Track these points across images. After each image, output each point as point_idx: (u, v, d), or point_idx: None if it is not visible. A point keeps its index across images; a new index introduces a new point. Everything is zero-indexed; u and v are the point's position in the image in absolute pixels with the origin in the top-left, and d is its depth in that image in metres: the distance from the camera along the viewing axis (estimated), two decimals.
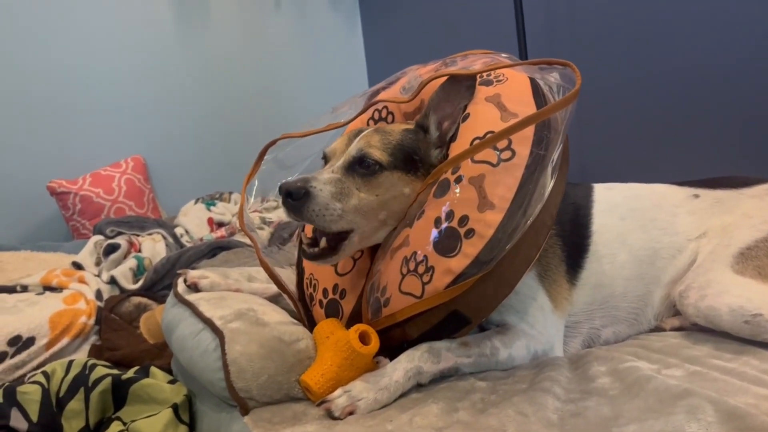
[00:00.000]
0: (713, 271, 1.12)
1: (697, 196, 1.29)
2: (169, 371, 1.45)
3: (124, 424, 1.21)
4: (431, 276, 0.98)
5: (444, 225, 0.99)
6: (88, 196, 2.99)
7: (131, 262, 2.25)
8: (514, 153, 0.99)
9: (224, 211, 2.92)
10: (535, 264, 1.16)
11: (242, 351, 1.04)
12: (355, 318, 1.13)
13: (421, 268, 0.99)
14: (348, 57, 4.12)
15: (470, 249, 0.96)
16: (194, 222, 2.75)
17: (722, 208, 1.25)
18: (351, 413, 0.96)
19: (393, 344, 1.06)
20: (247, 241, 2.55)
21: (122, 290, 2.15)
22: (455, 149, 1.08)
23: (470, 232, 0.97)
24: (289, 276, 1.49)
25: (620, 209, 1.28)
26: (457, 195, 1.00)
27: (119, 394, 1.26)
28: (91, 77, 3.23)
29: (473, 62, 1.18)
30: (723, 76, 2.10)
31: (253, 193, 1.31)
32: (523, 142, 1.00)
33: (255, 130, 3.68)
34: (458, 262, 0.97)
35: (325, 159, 1.20)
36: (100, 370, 1.28)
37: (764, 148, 2.02)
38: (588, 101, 2.58)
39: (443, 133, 1.14)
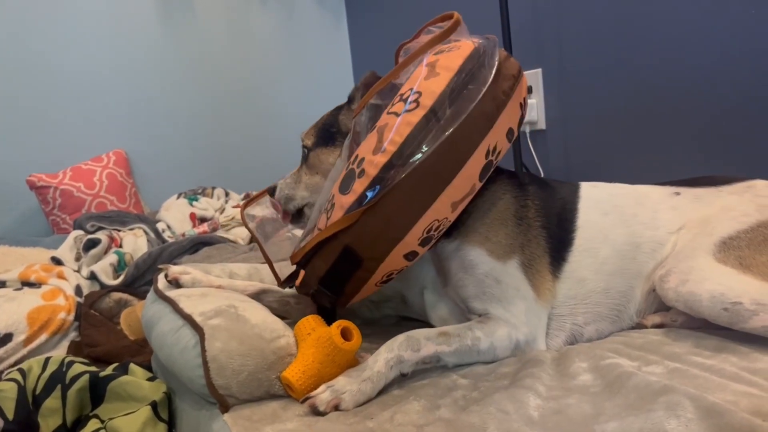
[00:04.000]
0: (695, 258, 1.13)
1: (678, 193, 1.31)
2: (150, 368, 1.44)
3: (102, 422, 1.19)
4: (331, 212, 1.07)
5: (349, 167, 1.08)
6: (69, 191, 2.95)
7: (112, 258, 2.22)
8: (417, 105, 1.06)
9: (207, 206, 2.88)
10: (519, 253, 1.18)
11: (222, 348, 1.03)
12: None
13: (328, 206, 1.10)
14: (333, 53, 4.10)
15: (358, 186, 1.04)
16: (176, 217, 2.72)
17: (702, 204, 1.26)
18: (336, 407, 0.96)
19: (310, 284, 1.13)
20: (230, 236, 2.53)
21: (102, 286, 2.12)
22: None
23: (362, 173, 1.05)
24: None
25: (604, 205, 1.29)
26: (365, 141, 1.09)
27: (97, 391, 1.25)
28: (72, 69, 3.18)
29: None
30: (712, 76, 2.12)
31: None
32: (430, 96, 1.06)
33: (239, 125, 3.66)
34: (347, 199, 1.05)
35: None
36: (78, 368, 1.26)
37: (747, 149, 2.04)
38: (574, 101, 2.59)
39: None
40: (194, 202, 2.89)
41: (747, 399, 0.83)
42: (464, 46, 1.13)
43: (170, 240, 2.51)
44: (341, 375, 1.02)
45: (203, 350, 1.03)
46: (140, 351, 1.70)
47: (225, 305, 1.15)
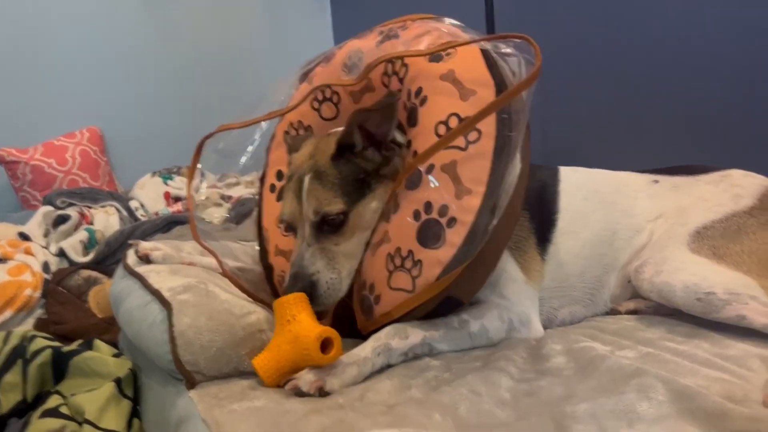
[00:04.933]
0: (669, 249, 1.13)
1: (656, 181, 1.32)
2: (116, 346, 1.40)
3: (64, 398, 1.16)
4: (420, 270, 0.99)
5: (424, 217, 0.99)
6: (40, 167, 2.88)
7: (82, 234, 2.17)
8: (480, 134, 1.00)
9: (182, 185, 2.84)
10: None
11: (190, 323, 1.00)
12: (338, 313, 1.11)
13: (408, 263, 1.00)
14: (316, 39, 4.04)
15: (455, 238, 0.97)
16: (150, 196, 2.68)
17: (679, 193, 1.27)
18: (320, 389, 0.92)
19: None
20: (205, 216, 2.50)
21: (72, 263, 2.07)
22: (417, 134, 1.07)
23: (452, 221, 0.97)
24: (245, 250, 1.47)
25: (583, 190, 1.29)
26: (433, 185, 1.00)
27: (60, 367, 1.21)
28: (47, 42, 3.11)
29: (417, 33, 1.16)
30: (692, 66, 2.13)
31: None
32: (488, 122, 1.00)
33: (216, 104, 3.57)
34: (445, 253, 0.97)
35: (289, 225, 1.15)
36: (40, 342, 1.23)
37: (725, 138, 2.06)
38: (553, 88, 2.59)
39: (376, 139, 1.10)
40: (169, 181, 2.85)
41: (719, 384, 0.83)
42: (469, 51, 1.08)
43: (143, 218, 2.46)
44: None
45: (171, 325, 1.00)
46: (108, 329, 1.67)
47: (195, 281, 1.12)
